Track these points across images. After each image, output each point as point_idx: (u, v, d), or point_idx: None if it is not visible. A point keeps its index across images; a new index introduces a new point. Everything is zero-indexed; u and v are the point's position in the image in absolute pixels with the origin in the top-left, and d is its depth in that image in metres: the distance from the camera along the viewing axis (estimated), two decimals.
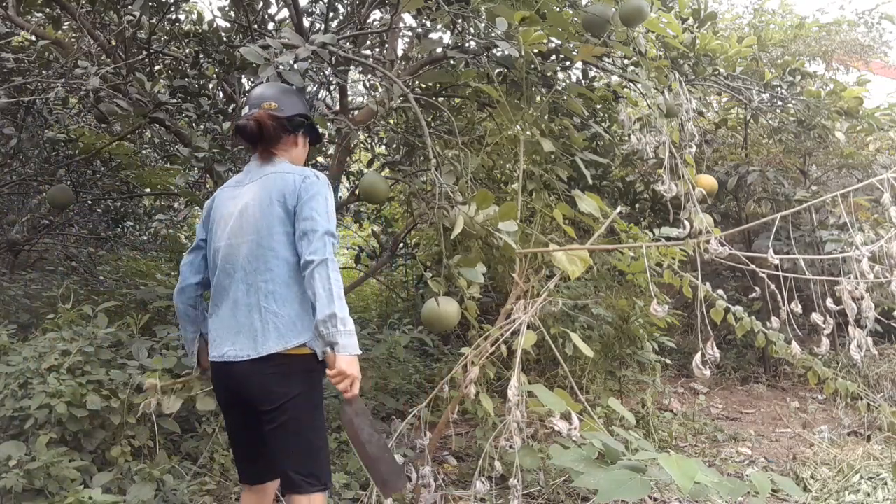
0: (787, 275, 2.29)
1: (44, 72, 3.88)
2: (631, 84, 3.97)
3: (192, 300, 2.27)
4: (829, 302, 2.19)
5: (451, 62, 3.68)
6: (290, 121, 2.19)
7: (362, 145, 5.21)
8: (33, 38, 4.03)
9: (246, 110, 2.21)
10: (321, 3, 4.28)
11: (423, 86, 4.23)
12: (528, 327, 2.47)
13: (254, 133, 2.13)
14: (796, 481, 3.39)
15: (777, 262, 2.17)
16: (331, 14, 4.20)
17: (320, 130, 2.39)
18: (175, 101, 3.38)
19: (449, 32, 3.73)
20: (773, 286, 2.31)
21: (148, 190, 5.77)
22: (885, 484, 3.29)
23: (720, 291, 2.99)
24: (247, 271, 2.04)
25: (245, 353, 2.00)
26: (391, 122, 4.73)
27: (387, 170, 4.37)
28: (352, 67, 4.09)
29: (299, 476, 2.01)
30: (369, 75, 4.76)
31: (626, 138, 4.11)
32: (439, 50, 3.53)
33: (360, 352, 1.95)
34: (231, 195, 2.17)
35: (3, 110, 4.10)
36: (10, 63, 3.64)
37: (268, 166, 2.16)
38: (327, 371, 1.94)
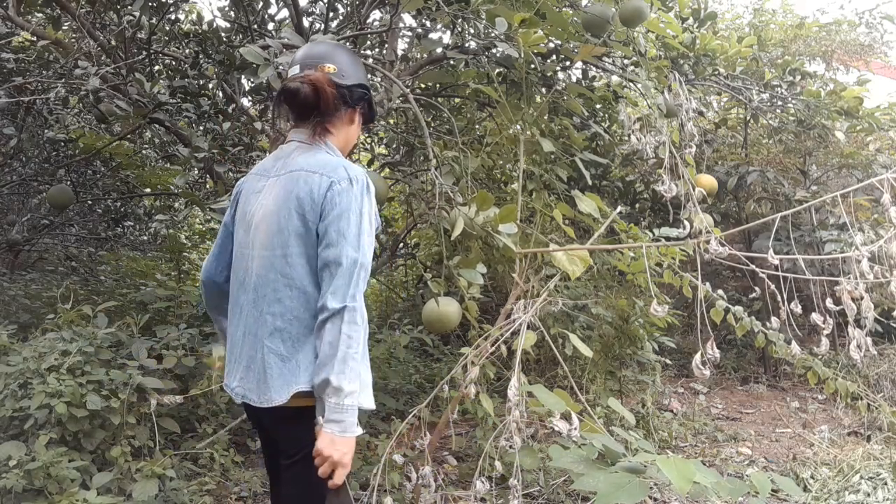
0: (787, 275, 2.28)
1: (44, 72, 3.89)
2: (631, 84, 3.97)
3: (222, 297, 1.87)
4: (829, 302, 2.19)
5: (451, 62, 3.69)
6: (351, 92, 1.73)
7: (362, 145, 5.21)
8: (33, 38, 4.03)
9: (294, 70, 1.72)
10: (321, 3, 4.28)
11: (423, 86, 4.23)
12: (528, 327, 2.47)
13: (308, 101, 1.67)
14: (796, 481, 3.39)
15: (777, 262, 2.17)
16: (331, 14, 4.20)
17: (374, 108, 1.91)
18: (175, 101, 3.38)
19: (449, 32, 3.73)
20: (772, 286, 2.31)
21: (148, 190, 5.78)
22: (885, 484, 3.29)
23: (720, 291, 2.99)
24: (258, 295, 1.65)
25: (251, 395, 1.65)
26: (391, 122, 4.74)
27: (387, 170, 4.37)
28: None
29: None
30: (369, 75, 4.76)
31: (626, 138, 4.11)
32: (439, 50, 3.53)
33: (355, 433, 1.53)
34: (256, 187, 1.75)
35: (3, 110, 4.10)
36: (10, 63, 3.64)
37: (298, 156, 1.69)
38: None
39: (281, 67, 2.39)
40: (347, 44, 3.54)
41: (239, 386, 1.69)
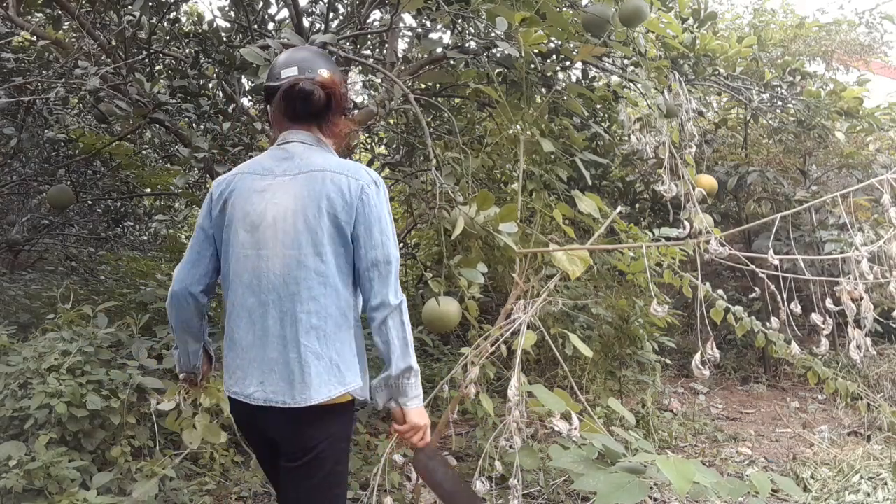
0: (786, 275, 2.29)
1: (44, 72, 3.88)
2: (631, 84, 3.97)
3: (195, 312, 1.81)
4: (829, 302, 2.19)
5: (451, 62, 3.69)
6: (345, 98, 1.78)
7: (362, 145, 5.22)
8: (33, 38, 4.03)
9: (292, 72, 1.71)
10: (321, 3, 4.28)
11: (423, 86, 4.23)
12: (528, 327, 2.47)
13: (320, 103, 1.69)
14: (796, 481, 3.39)
15: (777, 262, 2.17)
16: (331, 14, 4.20)
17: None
18: (175, 101, 3.38)
19: (449, 32, 3.73)
20: (772, 286, 2.31)
21: (148, 190, 5.78)
22: (885, 484, 3.29)
23: (720, 291, 2.99)
24: (281, 295, 1.63)
25: (280, 398, 1.63)
26: (391, 122, 4.74)
27: (387, 170, 4.37)
28: (352, 68, 4.09)
29: None
30: (369, 75, 4.76)
31: (626, 138, 4.11)
32: (439, 50, 3.53)
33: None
34: (257, 187, 1.70)
35: (3, 110, 4.10)
36: (10, 63, 3.64)
37: (312, 156, 1.70)
38: (395, 426, 1.76)
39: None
40: (347, 43, 3.54)
41: (259, 391, 1.65)
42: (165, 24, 3.79)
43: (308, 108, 1.70)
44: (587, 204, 2.86)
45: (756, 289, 3.08)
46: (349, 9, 4.15)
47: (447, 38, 3.87)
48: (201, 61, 3.48)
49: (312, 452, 1.65)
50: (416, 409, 1.73)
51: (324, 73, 1.71)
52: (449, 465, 1.99)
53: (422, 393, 1.75)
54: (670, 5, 3.97)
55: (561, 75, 3.91)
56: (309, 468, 1.66)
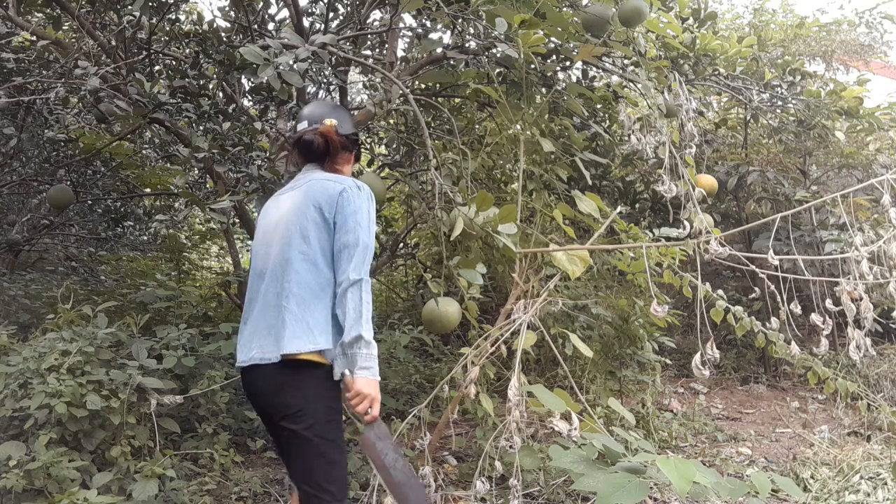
0: (786, 275, 2.29)
1: (44, 72, 3.88)
2: (631, 84, 3.97)
3: None
4: (829, 302, 2.19)
5: (451, 62, 3.69)
6: (348, 139, 2.23)
7: (362, 145, 5.21)
8: (33, 38, 4.03)
9: (303, 125, 2.21)
10: (321, 3, 4.28)
11: (423, 86, 4.23)
12: (528, 327, 2.48)
13: (320, 149, 2.17)
14: (796, 481, 3.39)
15: (777, 262, 2.17)
16: (331, 14, 4.20)
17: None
18: (175, 101, 3.38)
19: (449, 32, 3.73)
20: (772, 286, 2.31)
21: (148, 190, 5.78)
22: (885, 484, 3.29)
23: (720, 291, 2.99)
24: (276, 273, 2.02)
25: (268, 355, 1.96)
26: (391, 122, 4.74)
27: (386, 170, 4.37)
28: (352, 67, 4.09)
29: (310, 489, 1.94)
30: (369, 75, 4.76)
31: (626, 138, 4.11)
32: (439, 50, 3.53)
33: (378, 377, 1.93)
34: (274, 204, 2.18)
35: (3, 110, 4.10)
36: (10, 63, 3.64)
37: (314, 174, 2.15)
38: (345, 394, 1.92)
39: (281, 67, 2.40)
40: (347, 44, 3.54)
41: (258, 351, 1.98)
42: (165, 24, 3.78)
43: (311, 155, 2.18)
44: (587, 204, 2.86)
45: (756, 289, 3.09)
46: (349, 9, 4.15)
47: (447, 38, 3.87)
48: (201, 61, 3.48)
49: (299, 416, 1.91)
50: (363, 379, 1.88)
51: (327, 123, 2.18)
52: (401, 451, 2.03)
53: (374, 367, 1.91)
54: (670, 5, 3.97)
55: (561, 75, 3.91)
56: (298, 427, 1.91)
